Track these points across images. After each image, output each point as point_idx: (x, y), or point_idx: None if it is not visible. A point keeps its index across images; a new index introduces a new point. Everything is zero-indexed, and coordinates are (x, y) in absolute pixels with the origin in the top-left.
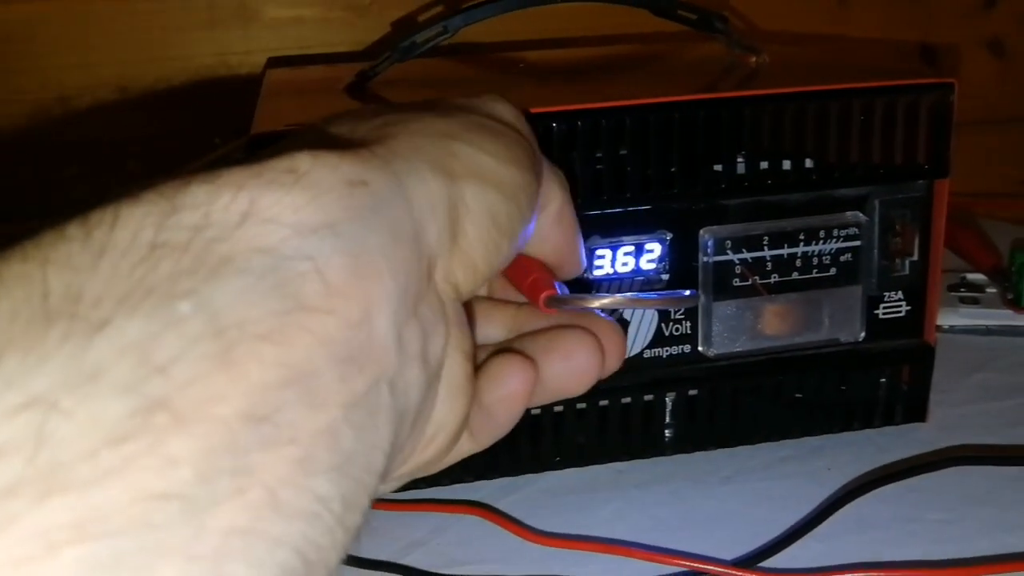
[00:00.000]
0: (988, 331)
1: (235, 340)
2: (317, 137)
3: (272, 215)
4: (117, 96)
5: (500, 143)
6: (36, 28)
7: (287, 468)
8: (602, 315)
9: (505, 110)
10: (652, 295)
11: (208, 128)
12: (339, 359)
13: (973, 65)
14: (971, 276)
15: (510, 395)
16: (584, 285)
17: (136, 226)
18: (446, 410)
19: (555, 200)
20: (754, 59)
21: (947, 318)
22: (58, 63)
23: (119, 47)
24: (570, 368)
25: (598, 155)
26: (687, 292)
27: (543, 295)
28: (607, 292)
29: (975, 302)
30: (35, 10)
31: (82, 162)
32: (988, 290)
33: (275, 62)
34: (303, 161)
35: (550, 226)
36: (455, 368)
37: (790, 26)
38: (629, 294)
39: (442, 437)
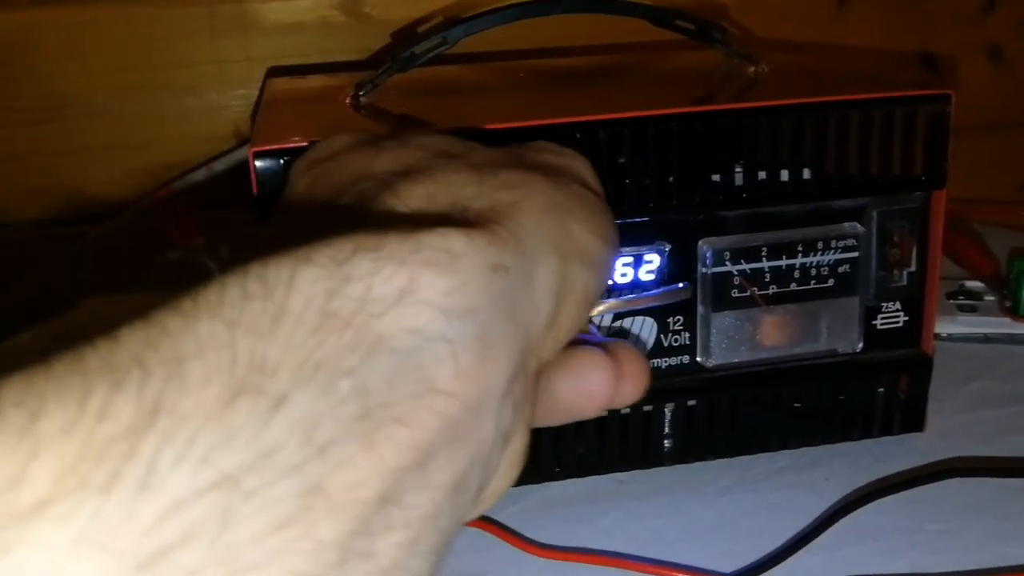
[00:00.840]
0: (986, 339)
1: (378, 422)
2: (454, 199)
3: (426, 297)
4: (116, 103)
5: (599, 219)
6: (36, 36)
7: (399, 551)
8: (625, 343)
9: (589, 173)
10: (646, 294)
11: (207, 135)
12: (452, 440)
13: (971, 70)
14: (969, 284)
15: (589, 392)
16: None
17: (309, 291)
18: (502, 478)
19: None
20: (753, 68)
21: (945, 326)
22: (58, 70)
23: (119, 54)
24: (580, 387)
25: (596, 166)
26: (680, 285)
27: None
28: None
29: (973, 310)
30: (35, 18)
31: (80, 169)
32: (986, 298)
33: (275, 71)
34: (457, 243)
35: None
36: (518, 440)
37: (788, 31)
38: (624, 297)
39: (490, 500)
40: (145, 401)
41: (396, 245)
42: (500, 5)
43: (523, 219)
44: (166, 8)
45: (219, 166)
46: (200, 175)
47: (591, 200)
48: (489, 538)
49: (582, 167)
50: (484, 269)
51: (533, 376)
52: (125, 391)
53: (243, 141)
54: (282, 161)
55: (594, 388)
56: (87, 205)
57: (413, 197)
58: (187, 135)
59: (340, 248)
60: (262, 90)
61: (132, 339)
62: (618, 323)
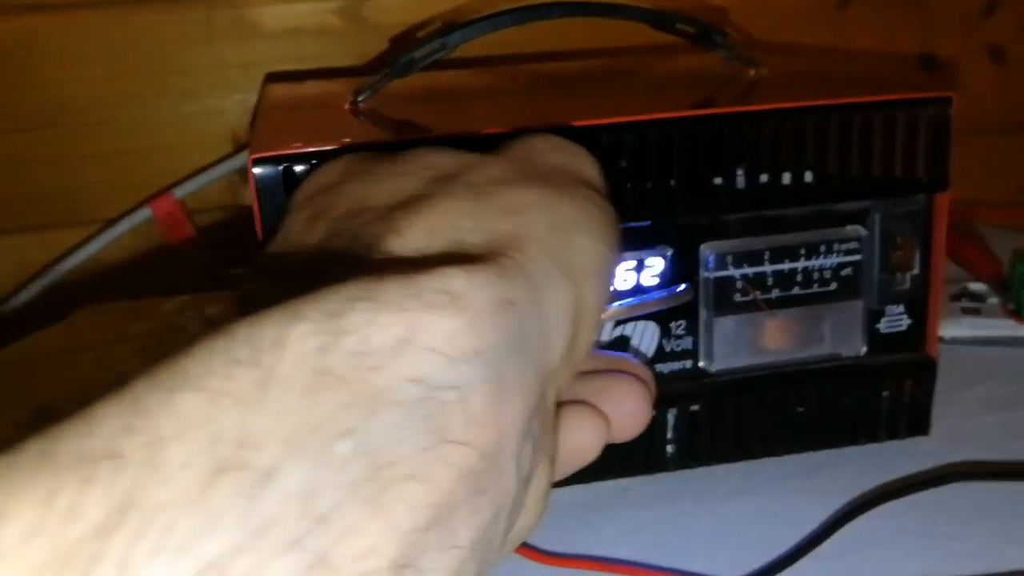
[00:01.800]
0: (990, 342)
1: (388, 481)
2: (453, 233)
3: (428, 343)
4: (114, 110)
5: (605, 226)
6: (33, 42)
7: None
8: (634, 360)
9: (594, 170)
10: (647, 298)
11: (206, 141)
12: (473, 492)
13: (973, 72)
14: (972, 286)
15: (583, 447)
16: None
17: (301, 349)
18: (528, 518)
19: None
20: (753, 71)
21: (949, 329)
22: (55, 77)
23: (117, 61)
24: (622, 412)
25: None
26: (680, 288)
27: None
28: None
29: (977, 313)
30: (33, 24)
31: (77, 175)
32: (990, 300)
33: (273, 77)
34: (458, 282)
35: None
36: (543, 477)
37: (788, 33)
38: (625, 302)
39: (516, 542)
40: (115, 495)
41: (393, 291)
42: (499, 10)
43: (527, 246)
44: (164, 14)
45: (217, 172)
46: (198, 181)
47: (595, 205)
48: None
49: (586, 165)
50: (489, 306)
51: (553, 409)
52: (95, 486)
53: (241, 147)
54: (281, 168)
55: (636, 412)
56: (85, 211)
57: (413, 232)
58: (185, 141)
59: (333, 299)
60: (260, 96)
61: (107, 420)
62: (619, 329)
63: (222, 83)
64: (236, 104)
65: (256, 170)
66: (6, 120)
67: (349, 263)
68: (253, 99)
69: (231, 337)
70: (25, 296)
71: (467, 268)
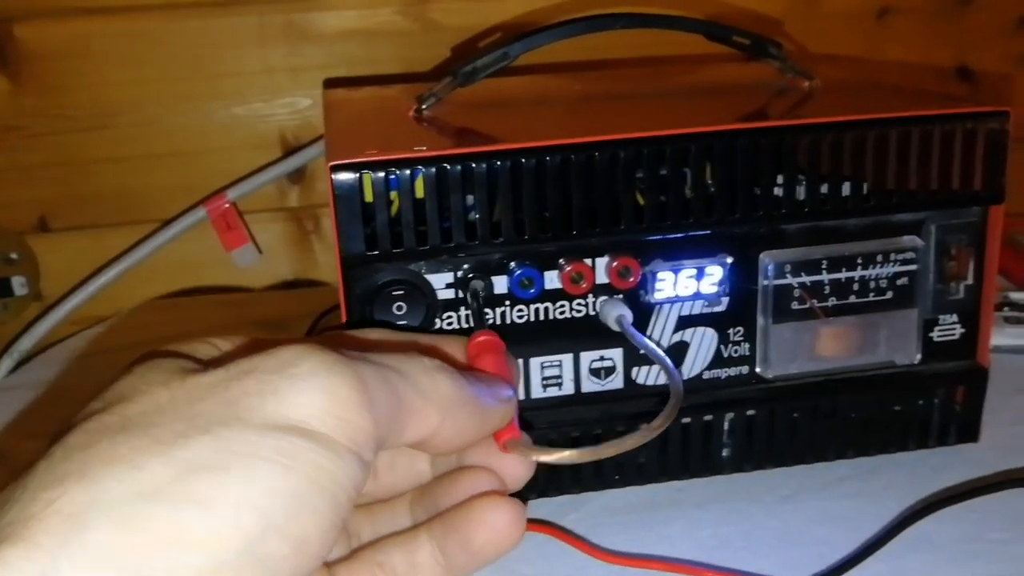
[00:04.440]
0: None
1: None
2: (13, 515)
3: None
4: (167, 112)
5: (251, 486)
6: (89, 44)
7: None
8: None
9: (301, 408)
10: (609, 444)
11: (254, 143)
12: None
13: (1008, 82)
14: (1014, 296)
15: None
16: (644, 309)
17: None
18: None
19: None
20: (807, 83)
21: (992, 338)
22: (110, 79)
23: (170, 64)
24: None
25: (662, 180)
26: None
27: (505, 438)
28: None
29: (1019, 322)
30: (88, 27)
31: (130, 176)
32: None
33: (331, 83)
34: None
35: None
36: None
37: (828, 42)
38: (588, 448)
39: None
40: None
41: None
42: (560, 20)
43: (58, 527)
44: (216, 18)
45: (268, 175)
46: (251, 183)
47: (249, 456)
48: (556, 544)
49: (287, 399)
50: None
51: None
52: None
53: (290, 150)
54: (358, 175)
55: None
56: (137, 211)
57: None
58: (235, 143)
59: None
60: (324, 101)
61: None
62: (679, 335)
63: (271, 87)
64: (283, 107)
65: (335, 176)
66: (61, 121)
67: None
68: (301, 103)
69: None
70: (82, 294)
71: None
